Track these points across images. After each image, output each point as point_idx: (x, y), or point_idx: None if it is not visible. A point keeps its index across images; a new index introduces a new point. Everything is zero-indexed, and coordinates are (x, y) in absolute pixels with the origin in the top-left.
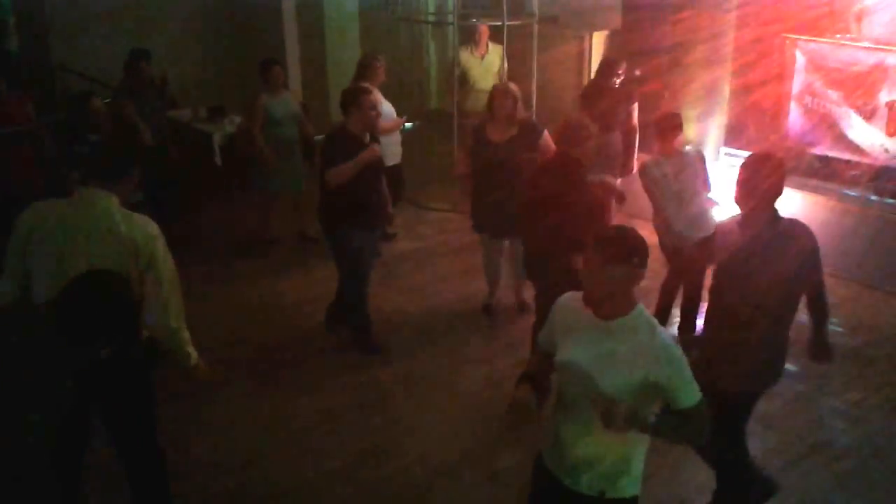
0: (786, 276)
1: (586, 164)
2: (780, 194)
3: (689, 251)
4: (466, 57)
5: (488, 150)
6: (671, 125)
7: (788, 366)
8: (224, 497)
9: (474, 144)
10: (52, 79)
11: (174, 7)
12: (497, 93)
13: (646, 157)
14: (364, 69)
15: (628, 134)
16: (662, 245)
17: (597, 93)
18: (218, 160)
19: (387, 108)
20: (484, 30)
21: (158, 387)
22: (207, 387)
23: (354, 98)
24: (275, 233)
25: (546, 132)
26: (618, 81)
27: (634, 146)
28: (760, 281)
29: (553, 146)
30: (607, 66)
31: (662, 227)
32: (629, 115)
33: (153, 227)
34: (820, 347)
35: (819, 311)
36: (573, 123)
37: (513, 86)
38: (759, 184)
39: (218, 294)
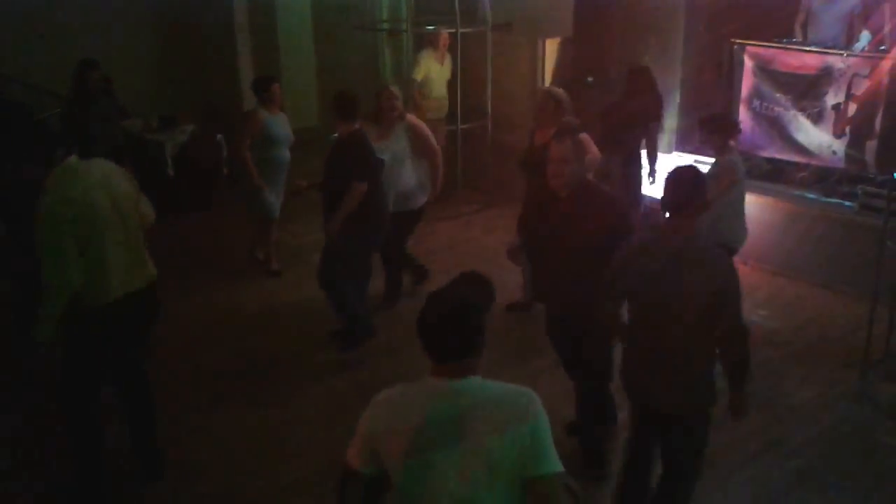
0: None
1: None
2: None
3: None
4: (429, 62)
5: (533, 155)
6: (729, 124)
7: None
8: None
9: (526, 149)
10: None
11: (122, 15)
12: (540, 95)
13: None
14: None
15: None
16: None
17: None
18: (171, 171)
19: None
20: (445, 36)
21: None
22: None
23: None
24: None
25: (584, 133)
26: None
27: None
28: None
29: (594, 147)
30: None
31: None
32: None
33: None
34: (735, 404)
35: (729, 364)
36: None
37: (556, 89)
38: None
39: (186, 305)
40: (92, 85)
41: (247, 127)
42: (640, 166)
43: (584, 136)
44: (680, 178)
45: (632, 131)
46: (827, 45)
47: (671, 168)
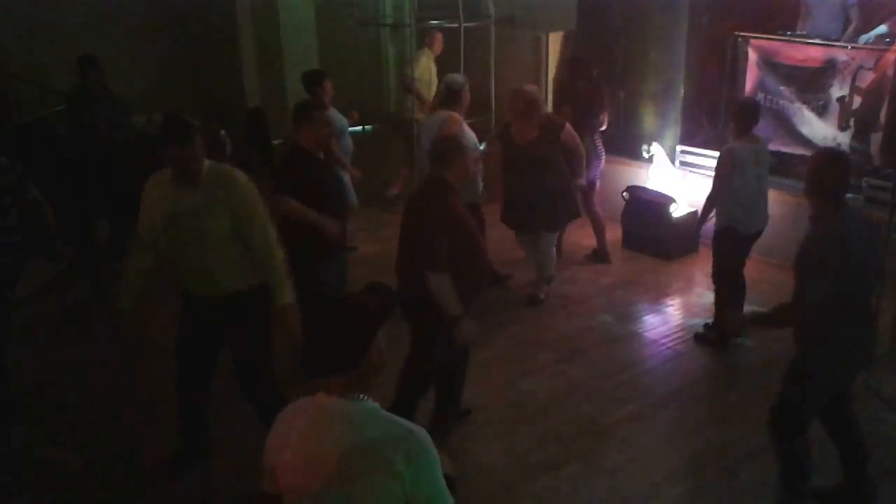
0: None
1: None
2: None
3: (736, 243)
4: (426, 61)
5: (513, 152)
6: (751, 111)
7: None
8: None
9: (503, 146)
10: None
11: (125, 11)
12: (511, 95)
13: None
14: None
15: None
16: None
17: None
18: None
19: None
20: (439, 36)
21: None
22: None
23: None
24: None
25: (568, 125)
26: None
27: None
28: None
29: (577, 138)
30: (575, 66)
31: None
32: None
33: None
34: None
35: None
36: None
37: (527, 87)
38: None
39: None
40: (90, 83)
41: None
42: (591, 145)
43: (568, 127)
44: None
45: (584, 116)
46: (826, 38)
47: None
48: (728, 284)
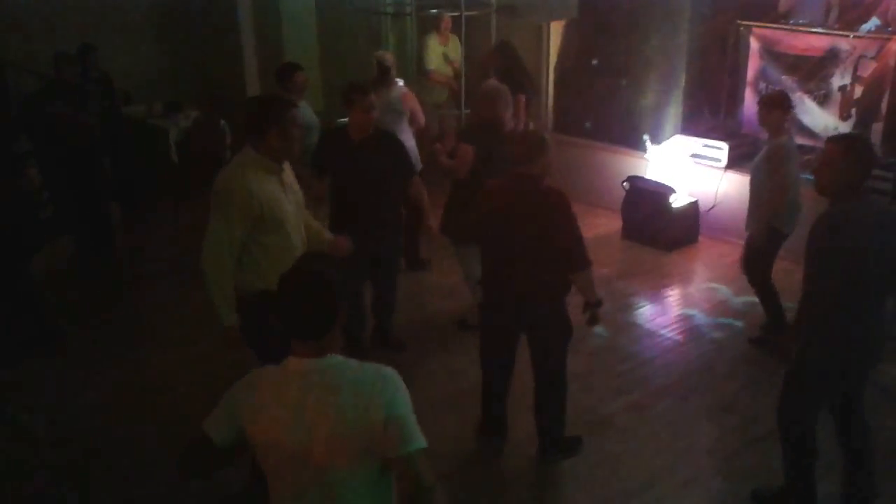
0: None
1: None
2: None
3: (778, 245)
4: (434, 45)
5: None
6: (782, 103)
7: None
8: None
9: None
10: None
11: (125, 1)
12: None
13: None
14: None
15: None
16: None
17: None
18: (174, 157)
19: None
20: (448, 20)
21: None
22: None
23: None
24: None
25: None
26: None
27: None
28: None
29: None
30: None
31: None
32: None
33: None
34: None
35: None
36: (530, 134)
37: (490, 84)
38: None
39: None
40: (67, 76)
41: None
42: None
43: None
44: None
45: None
46: (813, 24)
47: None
48: (769, 291)
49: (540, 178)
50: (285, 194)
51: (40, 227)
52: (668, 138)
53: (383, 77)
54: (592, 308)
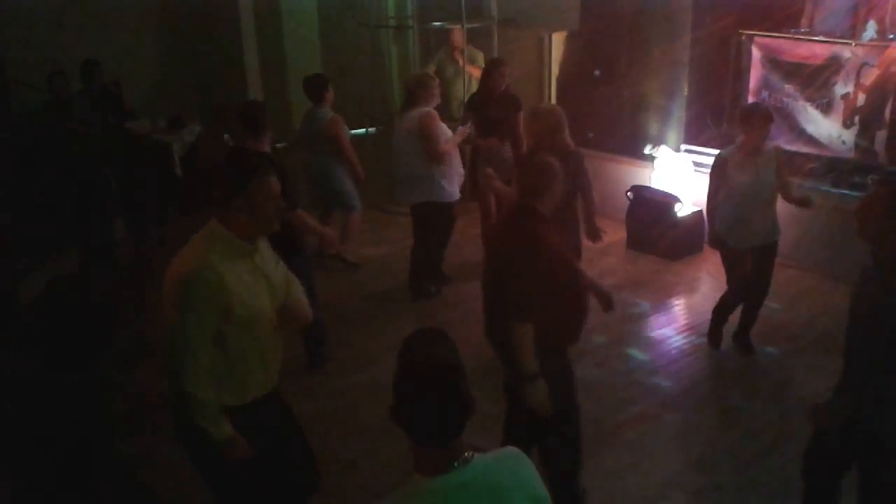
0: None
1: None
2: None
3: (735, 257)
4: (444, 61)
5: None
6: (760, 116)
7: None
8: None
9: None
10: (7, 92)
11: (128, 15)
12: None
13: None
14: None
15: (517, 141)
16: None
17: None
18: (178, 171)
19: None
20: (458, 35)
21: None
22: None
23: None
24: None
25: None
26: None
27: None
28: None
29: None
30: (493, 68)
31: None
32: (517, 123)
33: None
34: None
35: None
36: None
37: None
38: None
39: None
40: (61, 91)
41: (342, 129)
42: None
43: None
44: None
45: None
46: (833, 35)
47: None
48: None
49: (541, 215)
50: (260, 281)
51: None
52: (671, 148)
53: (406, 101)
54: (525, 380)
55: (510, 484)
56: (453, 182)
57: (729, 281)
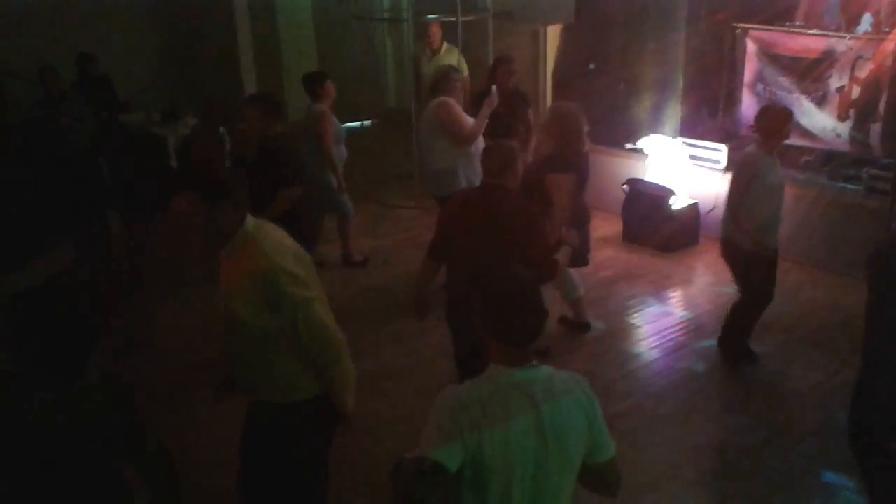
0: None
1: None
2: None
3: (760, 260)
4: (418, 54)
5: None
6: (783, 116)
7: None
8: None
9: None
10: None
11: (123, 9)
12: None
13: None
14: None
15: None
16: (734, 252)
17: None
18: (173, 163)
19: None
20: (435, 29)
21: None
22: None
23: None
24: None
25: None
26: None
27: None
28: None
29: None
30: (500, 65)
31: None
32: (526, 119)
33: None
34: None
35: None
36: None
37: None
38: None
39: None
40: (52, 86)
41: (326, 128)
42: None
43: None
44: None
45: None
46: (828, 28)
47: None
48: None
49: (512, 190)
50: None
51: None
52: (667, 140)
53: (431, 94)
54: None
55: (565, 389)
56: (478, 173)
57: (746, 287)
